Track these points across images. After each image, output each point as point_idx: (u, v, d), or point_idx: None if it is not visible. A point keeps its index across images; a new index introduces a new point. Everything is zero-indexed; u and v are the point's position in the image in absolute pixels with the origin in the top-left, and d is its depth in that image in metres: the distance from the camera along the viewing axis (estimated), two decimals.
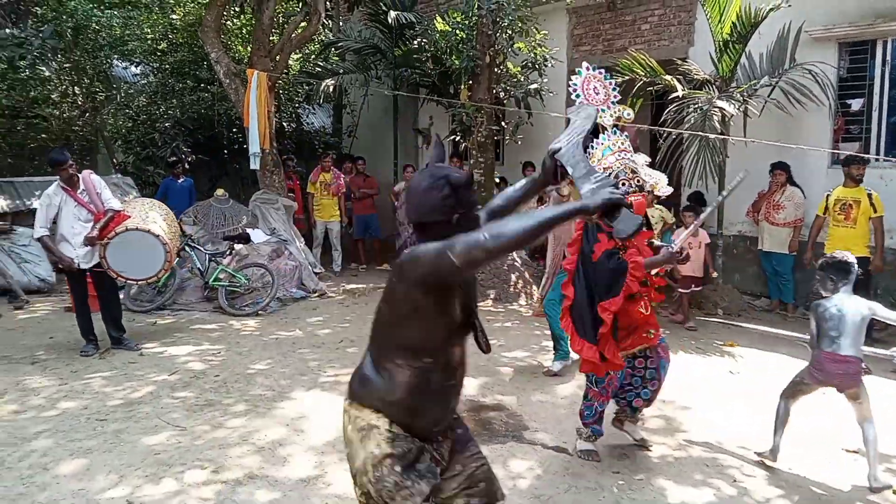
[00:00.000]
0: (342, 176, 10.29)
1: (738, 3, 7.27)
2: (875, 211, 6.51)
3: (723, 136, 7.09)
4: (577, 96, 3.82)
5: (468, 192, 2.01)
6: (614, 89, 3.82)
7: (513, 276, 8.40)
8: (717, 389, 5.13)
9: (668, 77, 7.80)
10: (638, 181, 3.63)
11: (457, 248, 1.79)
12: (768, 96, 7.54)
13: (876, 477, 3.44)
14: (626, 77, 8.07)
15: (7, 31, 8.15)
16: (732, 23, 7.34)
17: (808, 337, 3.69)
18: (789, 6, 7.23)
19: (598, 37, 10.17)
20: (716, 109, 7.02)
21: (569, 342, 3.96)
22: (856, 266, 3.59)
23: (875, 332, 6.61)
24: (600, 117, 3.66)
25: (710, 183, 7.27)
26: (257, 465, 3.73)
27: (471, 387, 5.04)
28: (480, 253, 1.79)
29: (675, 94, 7.52)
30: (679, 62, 8.14)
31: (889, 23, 7.28)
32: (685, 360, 5.88)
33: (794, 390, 3.77)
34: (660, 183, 3.77)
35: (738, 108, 7.31)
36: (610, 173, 3.49)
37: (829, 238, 6.77)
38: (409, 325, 1.98)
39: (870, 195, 6.54)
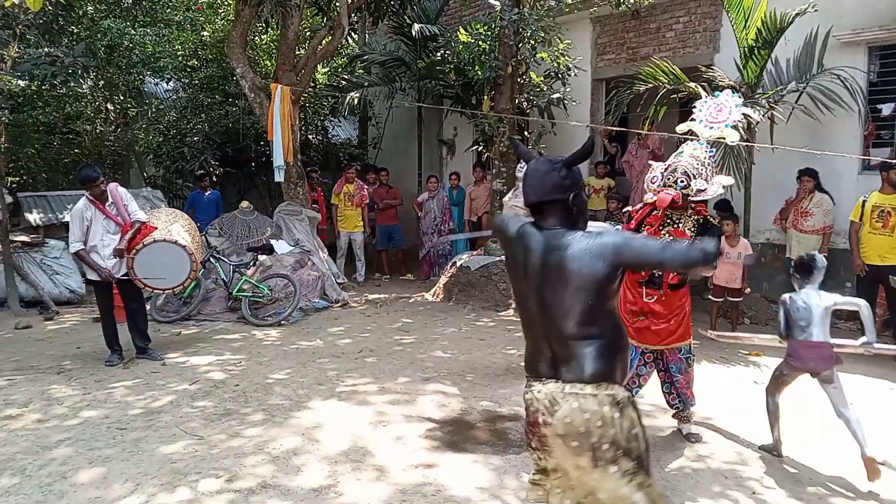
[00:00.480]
0: (365, 187, 10.37)
1: (764, 8, 7.16)
2: None
3: (748, 143, 6.97)
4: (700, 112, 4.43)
5: (579, 173, 2.31)
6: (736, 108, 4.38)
7: None
8: (739, 400, 5.01)
9: (691, 84, 7.71)
10: (685, 182, 3.99)
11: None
12: (796, 102, 7.40)
13: (863, 451, 3.63)
14: (650, 85, 8.03)
15: (42, 50, 8.39)
16: (758, 28, 7.23)
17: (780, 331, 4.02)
18: (816, 10, 7.09)
19: (623, 45, 10.11)
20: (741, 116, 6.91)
21: None
22: (820, 264, 3.97)
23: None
24: (708, 129, 4.33)
25: (734, 191, 7.14)
26: (271, 474, 3.74)
27: (487, 397, 5.01)
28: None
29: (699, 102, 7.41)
30: (704, 69, 8.05)
31: None
32: (708, 370, 5.77)
33: (776, 383, 4.06)
34: (707, 191, 4.05)
35: (765, 115, 7.18)
36: (668, 169, 4.09)
37: (864, 245, 6.51)
38: (611, 296, 2.19)
39: None
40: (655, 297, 4.09)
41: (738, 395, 5.15)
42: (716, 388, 5.29)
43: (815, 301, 3.88)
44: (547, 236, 2.23)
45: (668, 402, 4.38)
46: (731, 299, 7.23)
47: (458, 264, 9.06)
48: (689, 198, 3.99)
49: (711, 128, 4.34)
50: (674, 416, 4.41)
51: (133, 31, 10.89)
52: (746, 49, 7.43)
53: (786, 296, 4.00)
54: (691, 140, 4.35)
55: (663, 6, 9.37)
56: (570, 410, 2.11)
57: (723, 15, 8.29)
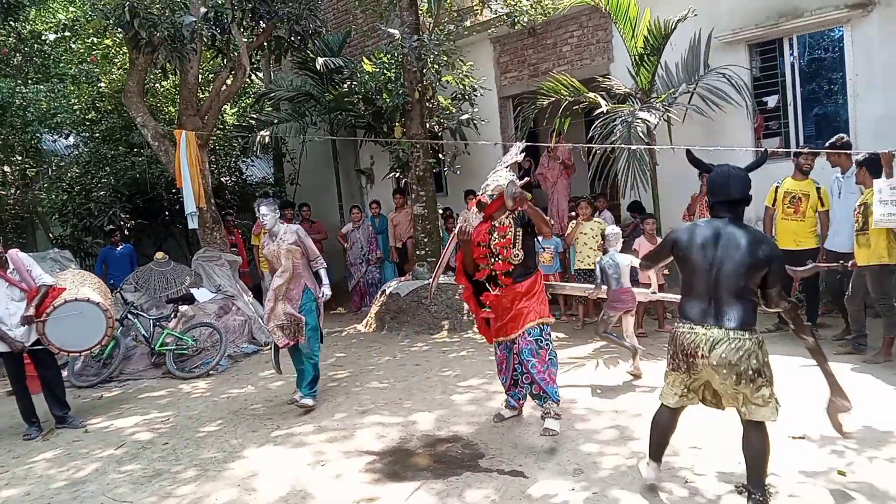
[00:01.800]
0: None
1: (648, 18, 7.55)
2: (822, 205, 6.47)
3: (648, 146, 7.29)
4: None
5: None
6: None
7: (465, 306, 8.40)
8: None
9: (591, 95, 8.03)
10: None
11: None
12: (688, 103, 7.80)
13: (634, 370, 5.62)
14: (553, 98, 8.31)
15: None
16: (644, 37, 7.62)
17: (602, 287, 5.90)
18: (696, 15, 7.53)
19: (524, 62, 10.43)
20: (639, 121, 7.24)
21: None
22: (615, 237, 5.98)
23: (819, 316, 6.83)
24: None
25: (641, 192, 7.44)
26: None
27: (426, 421, 5.00)
28: None
29: (600, 111, 7.73)
30: (601, 79, 8.40)
31: (792, 20, 7.65)
32: (625, 369, 5.92)
33: (605, 325, 5.76)
34: (490, 186, 4.66)
35: (661, 118, 7.54)
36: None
37: (779, 231, 6.67)
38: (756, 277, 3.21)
39: (818, 189, 6.49)
40: (497, 291, 4.57)
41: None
42: (644, 385, 5.45)
43: (619, 260, 5.83)
44: (734, 225, 3.25)
45: (519, 395, 4.78)
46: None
47: (388, 292, 9.03)
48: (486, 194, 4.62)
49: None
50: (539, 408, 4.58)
51: (24, 89, 10.42)
52: (637, 57, 7.81)
53: (599, 259, 6.04)
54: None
55: (557, 22, 9.74)
56: (727, 349, 3.09)
57: (613, 27, 8.68)
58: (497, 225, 4.59)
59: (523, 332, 4.43)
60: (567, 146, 9.10)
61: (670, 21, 7.44)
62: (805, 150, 6.63)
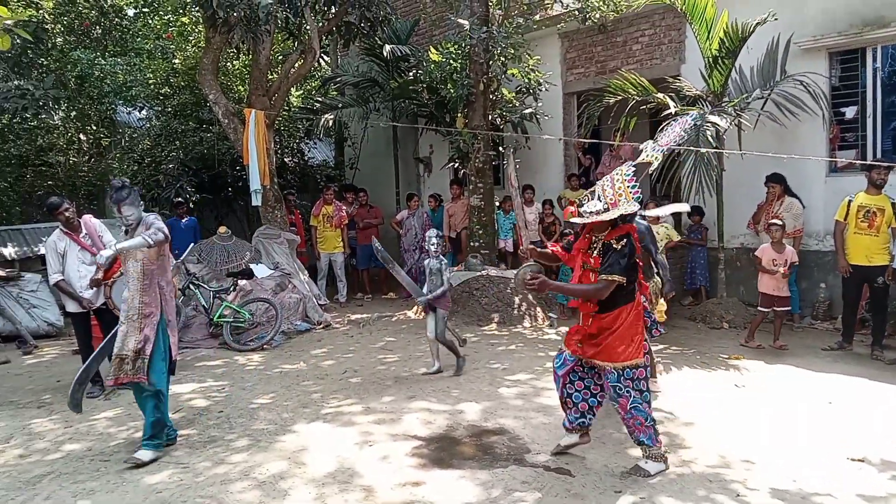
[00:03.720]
0: (343, 208, 10.38)
1: (725, 19, 7.35)
2: None
3: (716, 150, 7.12)
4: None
5: None
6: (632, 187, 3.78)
7: (516, 299, 8.40)
8: (721, 403, 5.08)
9: (659, 95, 7.88)
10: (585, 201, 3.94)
11: None
12: (761, 109, 7.58)
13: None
14: (620, 97, 8.19)
15: (12, 83, 8.35)
16: (720, 39, 7.42)
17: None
18: (776, 20, 7.30)
19: (591, 59, 10.29)
20: (708, 124, 7.07)
21: None
22: (436, 242, 6.04)
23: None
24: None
25: (706, 197, 7.28)
26: (258, 499, 3.71)
27: (472, 412, 5.03)
28: None
29: (667, 112, 7.58)
30: (671, 80, 8.23)
31: (877, 30, 7.33)
32: (688, 375, 5.86)
33: (443, 328, 6.05)
34: (601, 215, 3.76)
35: (731, 122, 7.35)
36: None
37: (850, 246, 6.44)
38: None
39: (893, 204, 6.29)
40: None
41: (719, 398, 5.22)
42: (697, 392, 5.36)
43: (432, 265, 6.06)
44: None
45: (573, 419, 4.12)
46: (777, 309, 6.82)
47: None
48: (582, 219, 3.82)
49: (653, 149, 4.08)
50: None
51: (103, 61, 10.87)
52: (711, 59, 7.62)
53: (426, 263, 6.21)
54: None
55: (629, 20, 9.57)
56: None
57: (686, 27, 8.49)
58: (590, 255, 3.90)
59: (605, 371, 3.86)
60: (634, 146, 8.95)
61: (748, 24, 7.23)
62: (882, 164, 6.38)
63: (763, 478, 3.77)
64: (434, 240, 6.09)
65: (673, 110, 7.51)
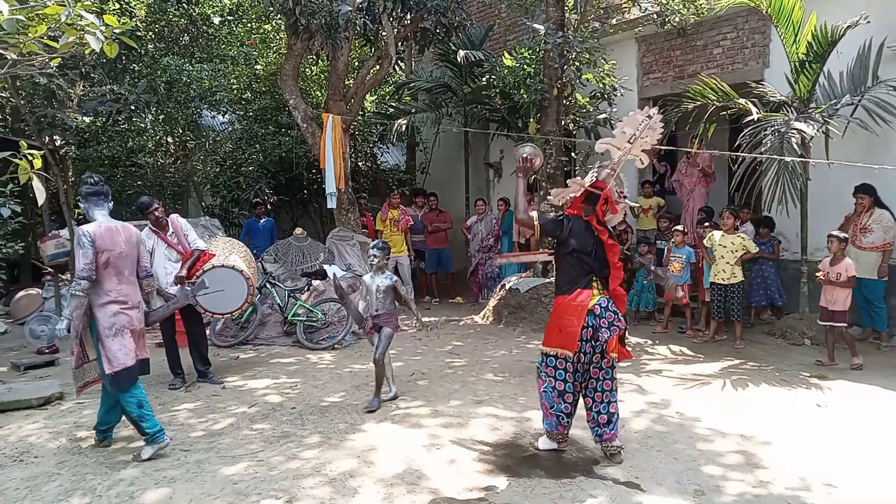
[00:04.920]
0: (409, 212, 10.50)
1: (814, 22, 7.06)
2: None
3: (801, 159, 6.83)
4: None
5: None
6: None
7: None
8: (802, 423, 4.87)
9: (741, 101, 7.63)
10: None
11: None
12: (851, 115, 7.23)
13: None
14: (699, 102, 7.97)
15: (106, 88, 8.86)
16: (808, 42, 7.14)
17: None
18: (868, 22, 6.96)
19: (669, 63, 10.06)
20: (794, 131, 6.80)
21: None
22: (375, 255, 5.40)
23: None
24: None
25: (790, 207, 6.98)
26: (328, 496, 3.81)
27: (540, 420, 4.98)
28: None
29: (750, 118, 7.33)
30: (754, 85, 7.96)
31: None
32: (766, 392, 5.64)
33: (384, 349, 5.38)
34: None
35: (818, 130, 7.04)
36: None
37: None
38: None
39: None
40: None
41: (799, 418, 5.01)
42: (776, 411, 5.16)
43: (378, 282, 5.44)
44: None
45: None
46: (834, 324, 6.50)
47: (508, 287, 9.07)
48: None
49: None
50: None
51: (191, 68, 11.34)
52: (797, 63, 7.33)
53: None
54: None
55: (709, 23, 9.31)
56: None
57: (771, 30, 8.19)
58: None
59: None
60: (712, 153, 8.71)
61: (838, 27, 6.92)
62: None
63: (845, 502, 3.60)
64: (373, 251, 5.44)
65: (755, 116, 7.26)
